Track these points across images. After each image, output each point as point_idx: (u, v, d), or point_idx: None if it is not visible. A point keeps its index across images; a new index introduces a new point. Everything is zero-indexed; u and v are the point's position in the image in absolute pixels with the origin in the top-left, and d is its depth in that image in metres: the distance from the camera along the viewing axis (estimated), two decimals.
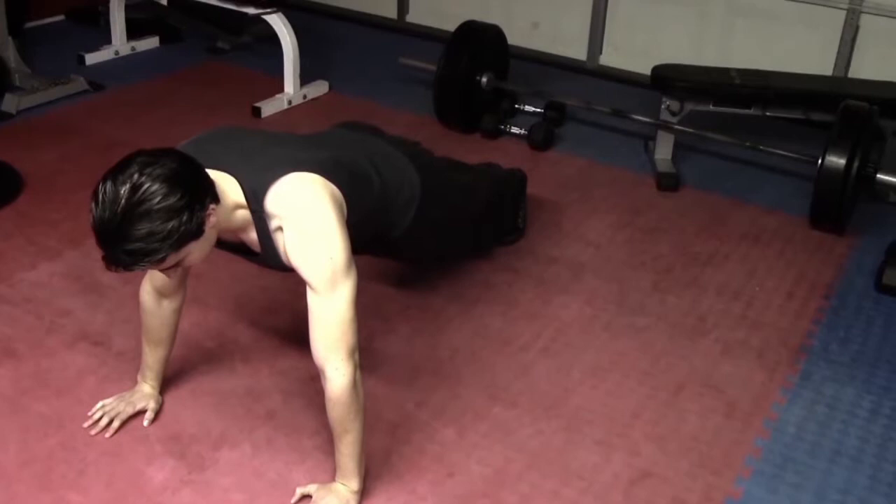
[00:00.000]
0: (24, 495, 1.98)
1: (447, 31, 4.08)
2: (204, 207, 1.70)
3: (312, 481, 2.02)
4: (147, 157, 1.67)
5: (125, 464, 2.08)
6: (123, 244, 1.63)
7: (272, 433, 2.19)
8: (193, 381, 2.36)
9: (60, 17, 5.09)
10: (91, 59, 4.49)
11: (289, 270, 1.89)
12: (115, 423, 2.16)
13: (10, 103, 3.86)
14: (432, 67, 3.98)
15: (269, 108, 4.06)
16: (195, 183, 1.70)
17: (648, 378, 2.48)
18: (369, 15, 5.39)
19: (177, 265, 1.74)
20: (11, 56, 4.08)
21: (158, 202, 1.62)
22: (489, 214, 2.87)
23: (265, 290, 2.69)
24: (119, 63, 4.56)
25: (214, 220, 1.74)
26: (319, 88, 4.32)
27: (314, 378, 2.34)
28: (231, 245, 1.96)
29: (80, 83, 4.12)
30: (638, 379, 2.47)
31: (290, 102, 4.16)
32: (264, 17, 4.11)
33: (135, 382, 2.25)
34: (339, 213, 1.86)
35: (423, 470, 2.11)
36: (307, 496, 1.99)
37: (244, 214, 1.84)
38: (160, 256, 1.66)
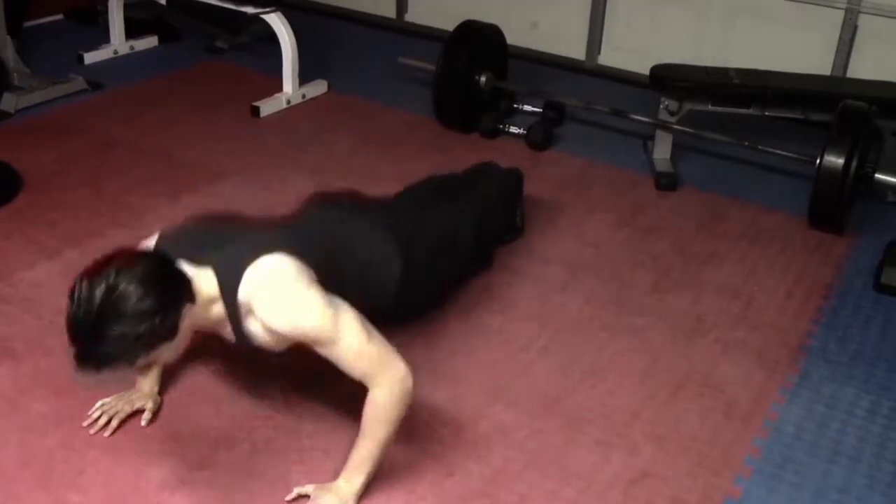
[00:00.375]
0: (23, 495, 1.98)
1: (446, 31, 4.08)
2: (178, 309, 1.73)
3: (311, 482, 2.02)
4: (124, 259, 1.71)
5: (124, 463, 2.08)
6: (95, 345, 1.66)
7: (272, 433, 2.19)
8: (192, 380, 2.36)
9: (59, 17, 5.09)
10: (90, 58, 4.49)
11: (266, 350, 1.95)
12: (114, 423, 2.16)
13: (9, 103, 3.86)
14: (431, 67, 3.98)
15: (267, 107, 4.06)
16: (171, 285, 1.74)
17: (647, 378, 2.48)
18: (368, 14, 5.39)
19: (150, 366, 1.76)
20: (10, 55, 4.08)
21: (132, 305, 1.65)
22: (481, 236, 2.78)
23: None
24: (118, 62, 4.56)
25: (188, 321, 1.77)
26: (318, 88, 4.31)
27: (314, 378, 2.34)
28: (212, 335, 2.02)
29: (78, 82, 4.12)
30: (637, 379, 2.47)
31: (288, 102, 4.16)
32: (263, 16, 4.11)
33: (134, 382, 2.25)
34: (308, 278, 1.89)
35: (423, 470, 2.11)
36: (304, 496, 1.99)
37: (219, 309, 1.88)
38: (132, 359, 1.69)
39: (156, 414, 2.22)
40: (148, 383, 2.24)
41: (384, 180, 3.49)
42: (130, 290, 1.65)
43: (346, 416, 2.12)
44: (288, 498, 1.99)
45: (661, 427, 2.30)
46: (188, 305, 1.76)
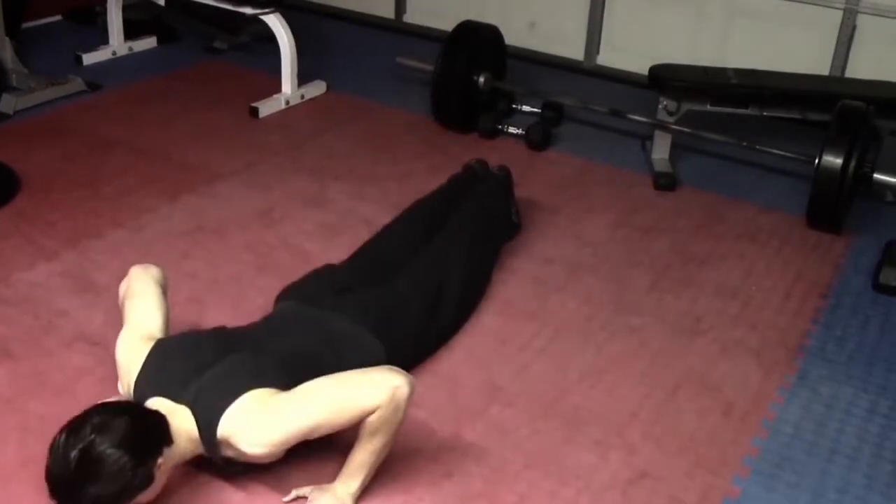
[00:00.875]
0: (22, 496, 1.98)
1: (444, 31, 4.08)
2: (155, 459, 1.80)
3: (311, 483, 2.02)
4: (102, 418, 1.78)
5: None
6: (74, 501, 1.74)
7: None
8: None
9: (58, 18, 5.08)
10: (88, 59, 4.48)
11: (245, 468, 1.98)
12: None
13: (8, 104, 3.85)
14: (430, 67, 3.98)
15: (266, 108, 4.06)
16: (147, 439, 1.81)
17: (646, 378, 2.48)
18: (367, 15, 5.39)
19: None
20: (9, 56, 4.08)
21: (108, 466, 1.73)
22: (473, 262, 2.71)
23: (263, 291, 2.69)
24: (116, 63, 4.56)
25: (168, 462, 1.84)
26: (317, 88, 4.31)
27: None
28: None
29: (77, 83, 4.11)
30: (635, 379, 2.47)
31: (287, 102, 4.16)
32: (262, 17, 4.11)
33: None
34: (275, 397, 1.91)
35: (421, 470, 2.11)
36: (302, 497, 1.99)
37: (196, 446, 1.92)
38: None
39: None
40: None
41: (383, 180, 3.50)
42: (107, 452, 1.72)
43: None
44: (286, 499, 2.00)
45: (660, 427, 2.30)
46: (166, 450, 1.83)
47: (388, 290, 2.44)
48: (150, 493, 1.83)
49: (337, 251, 2.86)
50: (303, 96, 4.23)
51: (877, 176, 3.23)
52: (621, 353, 2.58)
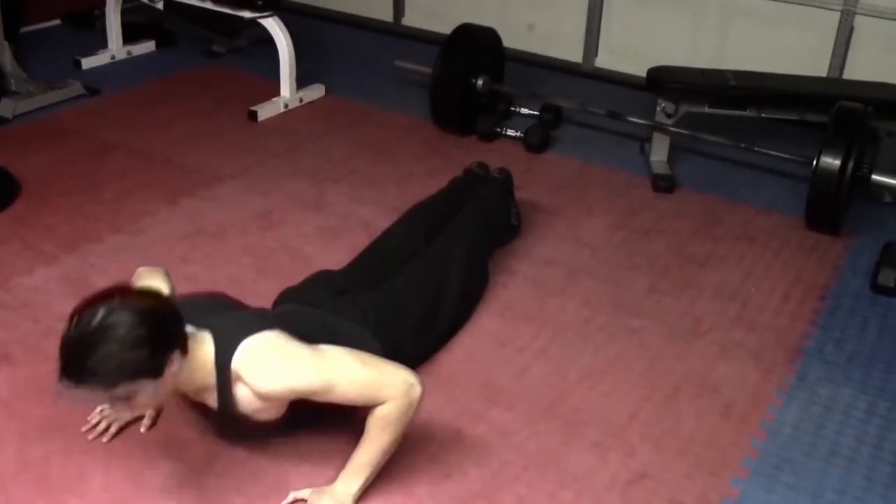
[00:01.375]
0: (21, 500, 1.98)
1: (443, 34, 4.08)
2: (168, 351, 1.77)
3: (309, 485, 2.03)
4: (130, 292, 1.80)
5: (123, 469, 2.08)
6: (81, 358, 1.69)
7: (269, 437, 2.19)
8: None
9: (57, 22, 5.09)
10: (87, 63, 4.49)
11: (245, 425, 1.97)
12: (113, 428, 2.17)
13: (7, 108, 3.86)
14: (428, 70, 3.99)
15: (265, 111, 4.06)
16: (167, 327, 1.78)
17: (645, 380, 2.48)
18: (365, 18, 5.40)
19: (127, 400, 1.77)
20: (8, 60, 4.08)
21: (125, 331, 1.69)
22: (470, 276, 2.71)
23: (262, 294, 2.69)
24: (115, 67, 4.57)
25: (176, 368, 1.79)
26: (316, 92, 4.32)
27: None
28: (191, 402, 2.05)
29: (76, 87, 4.12)
30: (634, 381, 2.48)
31: (286, 106, 4.16)
32: (260, 20, 4.12)
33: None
34: (296, 342, 1.92)
35: (420, 471, 2.11)
36: (301, 500, 1.99)
37: (207, 372, 1.89)
38: (112, 380, 1.70)
39: (155, 420, 2.22)
40: None
41: (382, 183, 3.50)
42: (127, 318, 1.70)
43: (344, 421, 2.12)
44: (284, 502, 2.00)
45: (659, 429, 2.30)
46: (178, 353, 1.80)
47: (387, 292, 2.44)
48: (151, 391, 1.77)
49: (336, 254, 2.87)
50: (301, 100, 4.23)
51: (875, 177, 3.23)
52: (620, 355, 2.58)
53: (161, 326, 1.76)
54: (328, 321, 2.24)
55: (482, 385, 2.42)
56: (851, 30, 4.10)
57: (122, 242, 3.00)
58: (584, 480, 2.12)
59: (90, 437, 2.16)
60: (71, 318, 1.72)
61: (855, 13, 4.07)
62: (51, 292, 2.72)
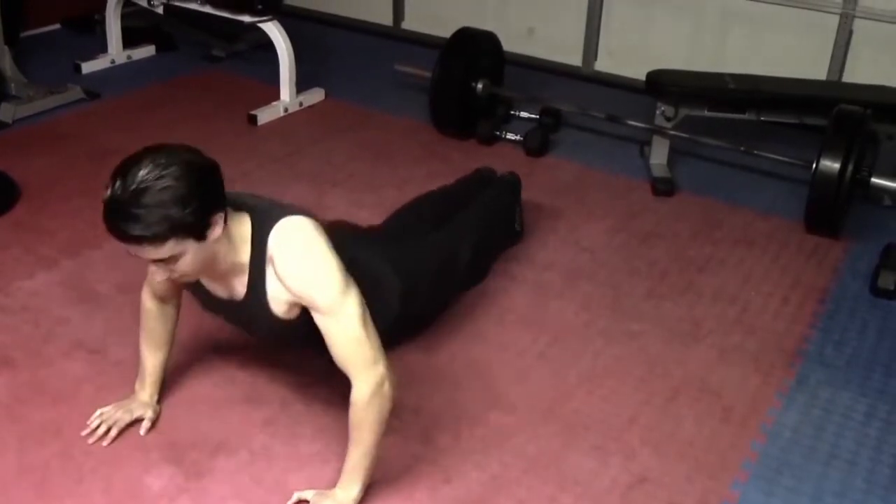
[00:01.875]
0: (21, 503, 1.99)
1: (442, 38, 4.09)
2: (212, 212, 1.77)
3: (310, 488, 2.03)
4: (182, 146, 1.79)
5: (123, 472, 2.08)
6: (129, 208, 1.70)
7: (270, 440, 2.20)
8: (191, 388, 2.36)
9: (56, 26, 5.10)
10: (87, 67, 4.50)
11: (269, 324, 1.98)
12: (113, 432, 2.16)
13: (7, 112, 3.86)
14: (428, 74, 3.99)
15: (265, 115, 4.07)
16: (212, 188, 1.79)
17: (644, 383, 2.48)
18: (365, 22, 5.40)
19: (169, 263, 1.78)
20: (7, 65, 4.09)
21: (175, 186, 1.69)
22: (479, 255, 2.80)
23: None
24: (115, 71, 4.57)
25: (218, 234, 1.80)
26: (316, 96, 4.32)
27: (312, 385, 2.35)
28: (217, 300, 2.04)
29: (76, 92, 4.12)
30: (634, 384, 2.48)
31: (286, 110, 4.17)
32: (260, 24, 4.13)
33: (132, 391, 2.26)
34: (331, 246, 1.92)
35: (420, 475, 2.12)
36: (304, 501, 1.99)
37: (241, 255, 1.90)
38: (158, 233, 1.71)
39: (154, 423, 2.22)
40: (146, 392, 2.24)
41: (382, 187, 3.50)
42: (176, 172, 1.70)
43: (344, 424, 2.11)
44: (289, 503, 1.99)
45: (659, 432, 2.30)
46: (221, 217, 1.80)
47: (407, 252, 2.51)
48: (194, 256, 1.78)
49: None
50: (301, 103, 4.24)
51: (874, 180, 3.24)
52: (620, 359, 2.58)
53: (208, 187, 1.77)
54: (350, 256, 2.19)
55: (482, 388, 2.42)
56: (850, 33, 4.10)
57: (122, 248, 2.99)
58: (584, 484, 2.12)
59: (90, 440, 2.15)
60: (115, 175, 1.72)
61: (854, 16, 4.07)
62: (51, 297, 2.72)
